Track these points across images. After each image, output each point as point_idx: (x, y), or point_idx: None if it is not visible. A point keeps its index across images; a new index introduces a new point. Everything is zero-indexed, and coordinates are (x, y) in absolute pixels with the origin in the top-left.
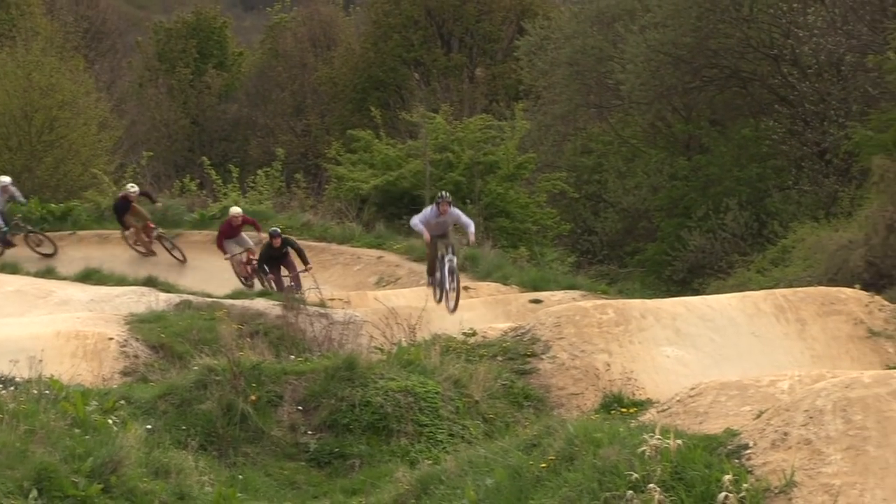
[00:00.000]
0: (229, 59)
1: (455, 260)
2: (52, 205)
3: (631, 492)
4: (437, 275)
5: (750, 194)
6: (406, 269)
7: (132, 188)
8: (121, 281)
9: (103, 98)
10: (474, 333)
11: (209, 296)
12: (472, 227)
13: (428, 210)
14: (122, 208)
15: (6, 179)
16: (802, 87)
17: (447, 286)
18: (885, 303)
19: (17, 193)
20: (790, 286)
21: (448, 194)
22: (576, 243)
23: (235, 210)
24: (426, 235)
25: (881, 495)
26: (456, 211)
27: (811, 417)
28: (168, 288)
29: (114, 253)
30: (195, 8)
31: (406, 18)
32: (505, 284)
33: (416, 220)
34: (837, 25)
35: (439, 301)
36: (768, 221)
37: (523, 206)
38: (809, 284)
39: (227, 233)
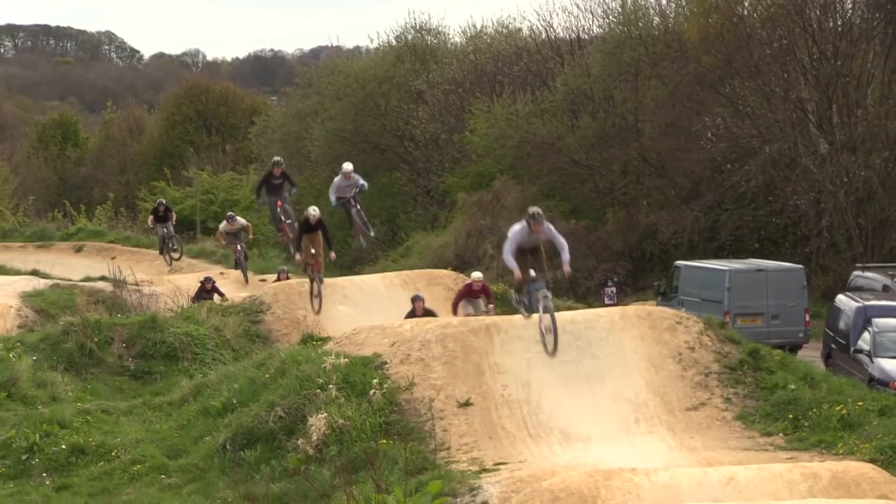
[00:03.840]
0: (81, 141)
1: (550, 297)
2: None
3: (319, 390)
4: (526, 299)
5: (387, 216)
6: (186, 263)
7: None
8: (17, 272)
9: (6, 164)
10: (227, 299)
11: (71, 280)
12: (566, 251)
13: (516, 227)
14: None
15: None
16: (416, 153)
17: (541, 326)
18: (462, 276)
19: None
20: (411, 269)
21: (539, 212)
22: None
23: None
24: (517, 273)
25: (464, 389)
26: (550, 228)
27: (423, 345)
28: (46, 276)
29: (12, 256)
30: (60, 111)
31: (185, 116)
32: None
33: (506, 251)
34: (435, 117)
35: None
36: (398, 232)
37: (255, 225)
38: (422, 268)
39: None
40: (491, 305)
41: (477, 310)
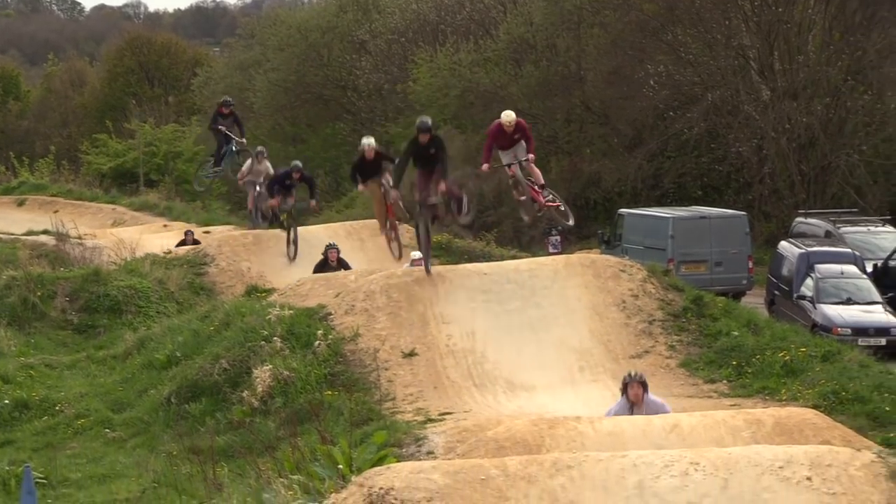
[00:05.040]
0: (22, 94)
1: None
2: None
3: (263, 342)
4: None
5: (331, 167)
6: (130, 215)
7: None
8: None
9: None
10: (170, 252)
11: (13, 234)
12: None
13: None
14: None
15: None
16: (360, 104)
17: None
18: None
19: None
20: (355, 220)
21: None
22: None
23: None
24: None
25: (409, 339)
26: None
27: (367, 295)
28: None
29: None
30: (0, 65)
31: (126, 68)
32: (187, 223)
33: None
34: (378, 67)
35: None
36: (342, 183)
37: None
38: (365, 218)
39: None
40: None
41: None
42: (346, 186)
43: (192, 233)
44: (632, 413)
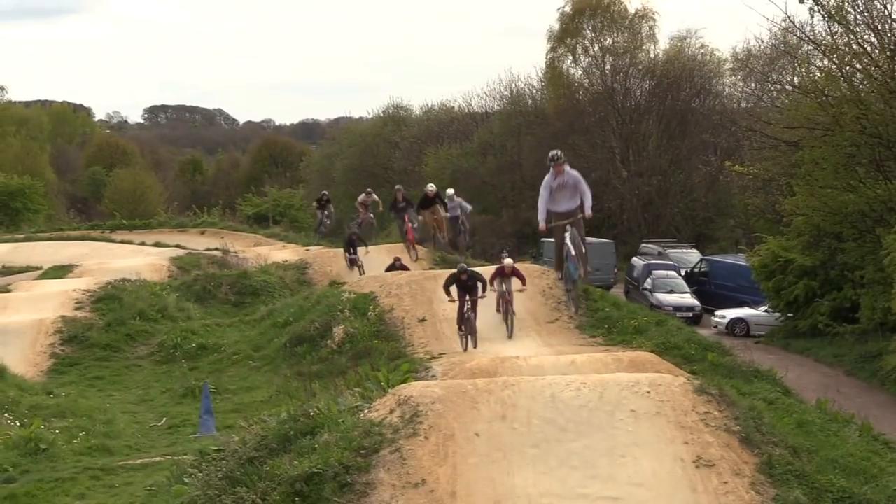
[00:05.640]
0: (203, 171)
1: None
2: None
3: (339, 312)
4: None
5: (379, 218)
6: (264, 241)
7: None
8: (167, 245)
9: (162, 184)
10: (286, 261)
11: (198, 250)
12: (588, 197)
13: (546, 178)
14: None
15: None
16: (395, 178)
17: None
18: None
19: None
20: (392, 244)
21: (559, 153)
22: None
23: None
24: (542, 225)
25: (421, 311)
26: (574, 173)
27: (398, 287)
28: (183, 248)
29: (164, 237)
30: (192, 154)
31: (263, 157)
32: (297, 245)
33: (539, 202)
34: (405, 157)
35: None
36: (385, 224)
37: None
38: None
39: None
40: (524, 287)
41: (508, 288)
42: (386, 226)
43: (400, 259)
44: (555, 180)
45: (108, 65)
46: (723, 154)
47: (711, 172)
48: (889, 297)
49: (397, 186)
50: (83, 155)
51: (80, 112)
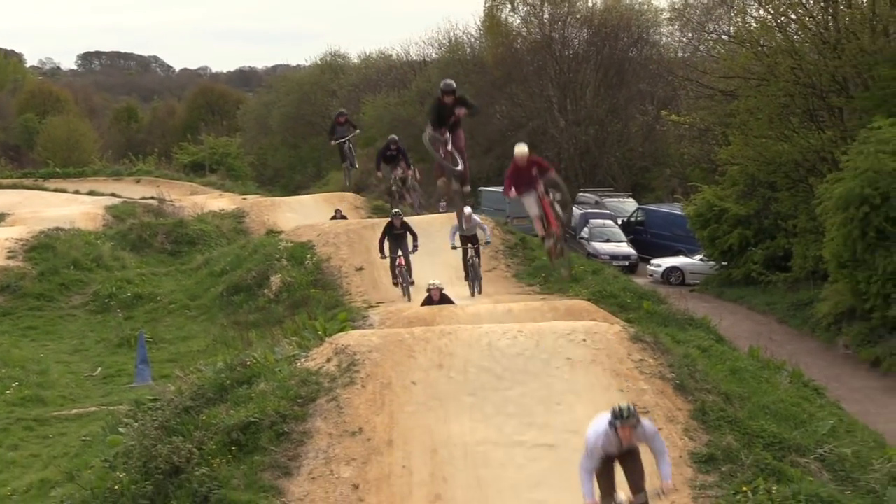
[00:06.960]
0: (139, 119)
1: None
2: None
3: (276, 261)
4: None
5: (313, 162)
6: (200, 189)
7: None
8: (101, 194)
9: (96, 132)
10: (223, 210)
11: (133, 199)
12: (666, 461)
13: (596, 434)
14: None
15: None
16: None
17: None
18: (358, 196)
19: None
20: (329, 192)
21: (630, 408)
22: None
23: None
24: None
25: (359, 260)
26: (646, 427)
27: (335, 235)
28: (118, 196)
29: (98, 185)
30: (126, 102)
31: (199, 105)
32: (234, 194)
33: (581, 470)
34: (342, 105)
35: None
36: (322, 173)
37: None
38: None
39: None
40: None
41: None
42: (323, 173)
43: (341, 210)
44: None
45: (40, 10)
46: (659, 104)
47: (648, 122)
48: (820, 245)
49: (341, 110)
50: (14, 102)
51: (11, 58)
